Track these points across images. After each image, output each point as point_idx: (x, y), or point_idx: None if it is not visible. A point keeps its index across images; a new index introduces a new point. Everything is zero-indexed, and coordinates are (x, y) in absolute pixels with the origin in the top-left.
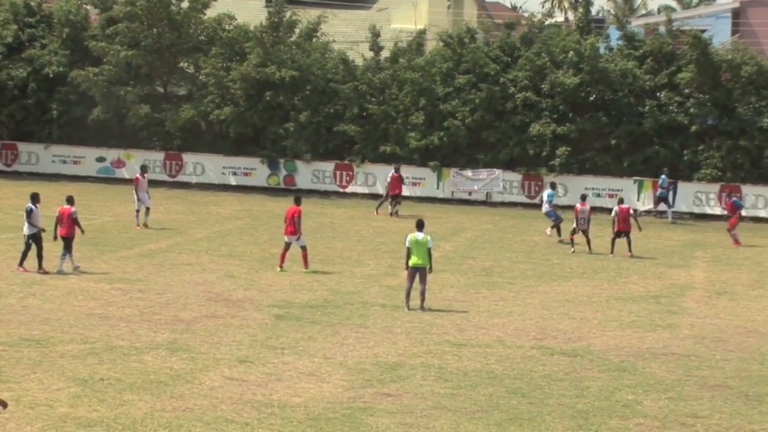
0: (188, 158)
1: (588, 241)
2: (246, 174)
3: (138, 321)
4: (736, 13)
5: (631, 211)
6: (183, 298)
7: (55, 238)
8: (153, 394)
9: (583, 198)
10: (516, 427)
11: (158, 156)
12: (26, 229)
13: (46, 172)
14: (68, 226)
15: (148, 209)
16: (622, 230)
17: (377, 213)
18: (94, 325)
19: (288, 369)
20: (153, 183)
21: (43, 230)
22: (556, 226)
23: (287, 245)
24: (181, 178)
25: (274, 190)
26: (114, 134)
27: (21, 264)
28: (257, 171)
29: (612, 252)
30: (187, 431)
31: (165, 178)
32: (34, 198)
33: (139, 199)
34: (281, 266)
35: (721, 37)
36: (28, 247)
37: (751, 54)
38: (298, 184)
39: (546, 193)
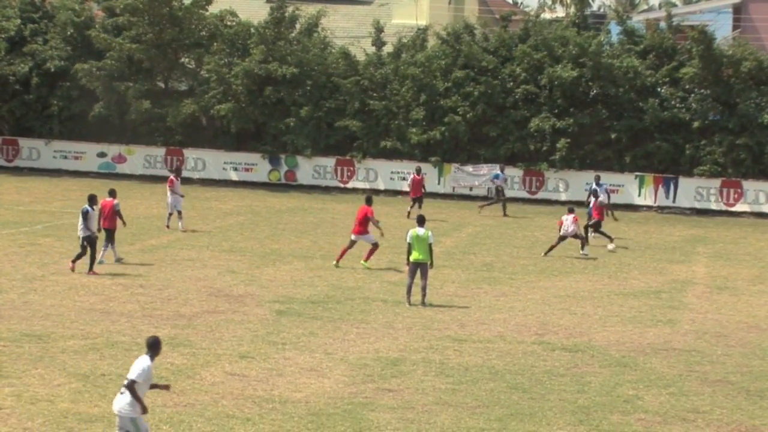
0: (189, 153)
1: (582, 241)
2: (247, 169)
3: (139, 316)
4: (737, 9)
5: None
6: (184, 294)
7: (99, 230)
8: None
9: (571, 211)
10: (517, 422)
11: (159, 152)
12: (81, 231)
13: (47, 167)
14: (111, 218)
15: (180, 213)
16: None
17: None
18: (95, 321)
19: (289, 364)
20: (153, 179)
21: (97, 235)
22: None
23: (352, 243)
24: (182, 173)
25: (275, 186)
26: (115, 130)
27: (74, 261)
28: (258, 166)
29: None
30: (188, 426)
31: (166, 173)
32: (92, 200)
33: (173, 202)
34: (338, 262)
35: (722, 32)
36: (84, 250)
37: (751, 50)
38: (299, 180)
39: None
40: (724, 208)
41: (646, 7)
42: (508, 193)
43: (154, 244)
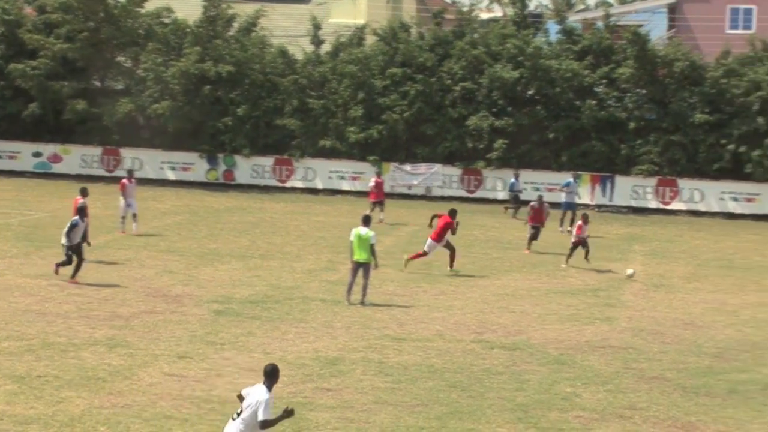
0: (126, 153)
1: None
2: (185, 169)
3: (76, 317)
4: (672, 9)
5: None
6: (121, 294)
7: (85, 240)
8: (91, 391)
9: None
10: (456, 420)
11: (96, 151)
12: (64, 240)
13: None
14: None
15: (135, 215)
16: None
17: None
18: (30, 322)
19: (228, 364)
20: (90, 179)
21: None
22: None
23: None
24: (119, 173)
25: (213, 185)
26: (50, 129)
27: (59, 266)
28: (196, 166)
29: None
30: (125, 428)
31: (103, 173)
32: (81, 211)
33: (128, 205)
34: (408, 262)
35: (657, 32)
36: (68, 258)
37: (684, 50)
38: (237, 179)
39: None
40: (660, 206)
41: (583, 6)
42: (446, 192)
43: (91, 244)
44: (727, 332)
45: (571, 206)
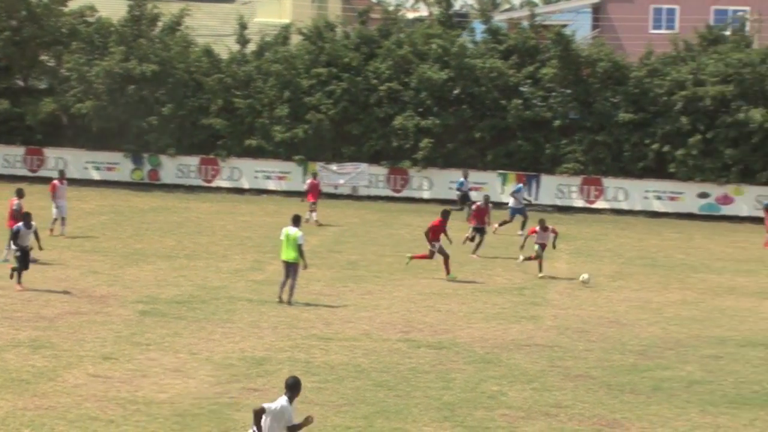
0: (50, 153)
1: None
2: (109, 169)
3: None
4: (596, 8)
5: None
6: (45, 295)
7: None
8: (15, 393)
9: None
10: (383, 420)
11: (19, 151)
12: (13, 246)
13: None
14: (11, 219)
15: (64, 219)
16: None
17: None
18: None
19: (153, 365)
20: (12, 179)
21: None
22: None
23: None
24: (42, 173)
25: (138, 185)
26: None
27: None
28: (121, 166)
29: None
30: (50, 429)
31: (26, 173)
32: (26, 218)
33: (57, 207)
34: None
35: (582, 32)
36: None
37: (607, 50)
38: (163, 179)
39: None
40: (585, 205)
41: (508, 6)
42: (372, 192)
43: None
44: (651, 330)
45: (520, 211)
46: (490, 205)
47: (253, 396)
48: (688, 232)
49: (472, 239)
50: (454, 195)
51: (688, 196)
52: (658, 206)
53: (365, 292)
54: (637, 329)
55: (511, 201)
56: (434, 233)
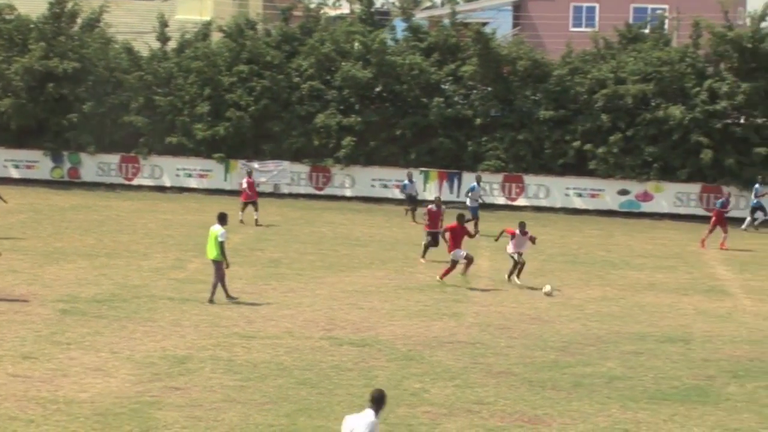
0: None
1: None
2: (29, 167)
3: None
4: (517, 7)
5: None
6: None
7: None
8: None
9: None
10: (306, 417)
11: None
12: None
13: None
14: None
15: None
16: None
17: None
18: None
19: (74, 364)
20: None
21: None
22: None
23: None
24: None
25: (58, 183)
26: None
27: None
28: (40, 164)
29: None
30: None
31: None
32: None
33: None
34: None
35: (503, 30)
36: None
37: (527, 48)
38: (83, 177)
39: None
40: (507, 202)
41: (429, 3)
42: (294, 190)
43: None
44: (573, 326)
45: (474, 210)
46: (443, 207)
47: (175, 395)
48: (609, 229)
49: (432, 245)
50: (376, 193)
51: (609, 193)
52: (578, 203)
53: (288, 290)
54: (559, 326)
55: (467, 200)
56: (454, 241)
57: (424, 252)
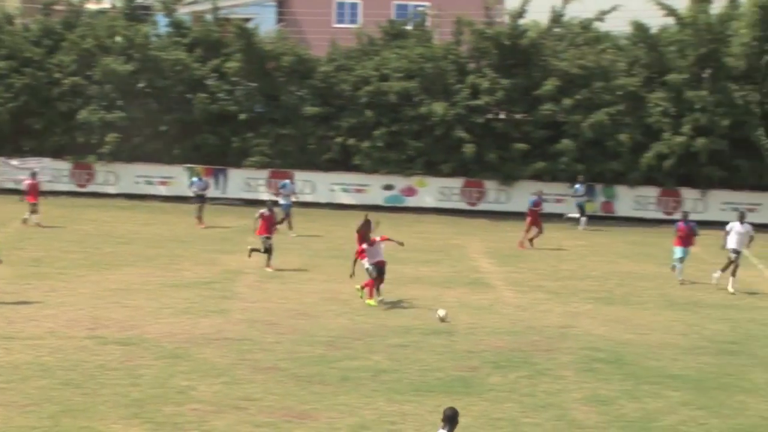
0: None
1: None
2: None
3: None
4: (281, 2)
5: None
6: None
7: None
8: None
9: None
10: (70, 418)
11: None
12: None
13: None
14: None
15: None
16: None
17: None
18: None
19: None
20: None
21: None
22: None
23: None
24: None
25: None
26: None
27: None
28: None
29: None
30: None
31: None
32: None
33: None
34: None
35: (267, 26)
36: None
37: (290, 44)
38: None
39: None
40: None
41: None
42: (55, 187)
43: None
44: (340, 321)
45: (286, 207)
46: (275, 211)
47: None
48: (386, 223)
49: (268, 251)
50: (140, 190)
51: (374, 188)
52: (344, 198)
53: (49, 289)
54: (326, 320)
55: (280, 198)
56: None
57: (268, 259)
